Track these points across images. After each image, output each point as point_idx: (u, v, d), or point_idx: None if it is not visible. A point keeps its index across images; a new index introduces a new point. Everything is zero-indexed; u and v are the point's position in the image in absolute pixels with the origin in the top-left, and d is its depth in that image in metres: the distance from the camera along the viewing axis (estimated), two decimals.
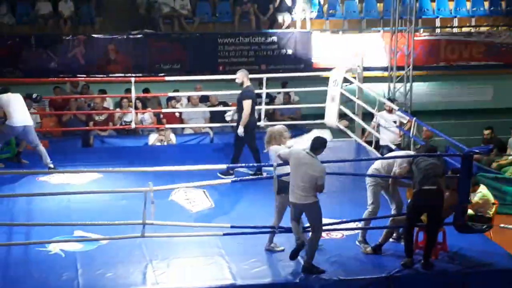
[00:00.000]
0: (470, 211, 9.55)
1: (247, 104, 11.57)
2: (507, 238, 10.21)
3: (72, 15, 18.74)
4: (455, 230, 9.36)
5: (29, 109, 12.24)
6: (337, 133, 13.74)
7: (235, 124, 12.03)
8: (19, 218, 9.88)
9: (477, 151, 9.95)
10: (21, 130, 11.73)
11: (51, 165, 11.82)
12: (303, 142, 9.24)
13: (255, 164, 11.27)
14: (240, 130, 11.59)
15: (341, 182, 11.22)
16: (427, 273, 8.88)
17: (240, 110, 11.66)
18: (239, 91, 11.91)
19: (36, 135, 12.13)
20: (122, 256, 8.98)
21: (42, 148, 11.92)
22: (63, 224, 9.51)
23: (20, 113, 11.70)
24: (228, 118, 12.38)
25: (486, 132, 15.01)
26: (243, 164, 11.25)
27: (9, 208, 10.19)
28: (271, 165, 9.14)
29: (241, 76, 11.71)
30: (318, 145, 8.72)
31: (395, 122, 12.84)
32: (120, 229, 9.13)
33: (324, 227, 9.03)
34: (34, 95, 12.74)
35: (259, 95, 14.22)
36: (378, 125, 12.94)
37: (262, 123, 14.09)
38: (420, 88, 18.73)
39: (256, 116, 12.39)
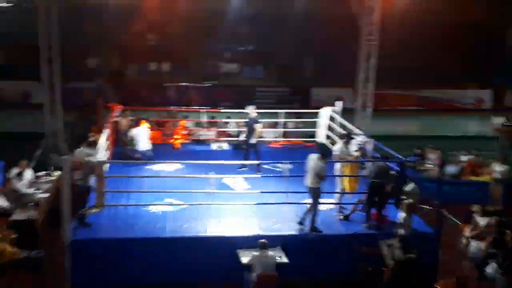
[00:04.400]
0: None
1: (260, 125, 11.43)
2: (423, 212, 9.97)
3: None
4: (394, 207, 9.08)
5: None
6: (324, 145, 13.35)
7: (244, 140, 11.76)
8: (134, 189, 9.74)
9: (409, 160, 9.66)
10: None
11: (152, 155, 11.71)
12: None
13: (277, 161, 10.71)
14: (255, 141, 11.35)
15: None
16: (378, 232, 8.61)
17: (252, 130, 11.35)
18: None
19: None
20: (193, 215, 8.86)
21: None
22: (159, 191, 9.44)
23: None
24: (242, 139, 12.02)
25: (417, 150, 14.58)
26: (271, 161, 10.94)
27: (129, 183, 10.01)
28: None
29: (254, 110, 11.55)
30: (325, 154, 8.70)
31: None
32: (193, 198, 9.02)
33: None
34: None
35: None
36: None
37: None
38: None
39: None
